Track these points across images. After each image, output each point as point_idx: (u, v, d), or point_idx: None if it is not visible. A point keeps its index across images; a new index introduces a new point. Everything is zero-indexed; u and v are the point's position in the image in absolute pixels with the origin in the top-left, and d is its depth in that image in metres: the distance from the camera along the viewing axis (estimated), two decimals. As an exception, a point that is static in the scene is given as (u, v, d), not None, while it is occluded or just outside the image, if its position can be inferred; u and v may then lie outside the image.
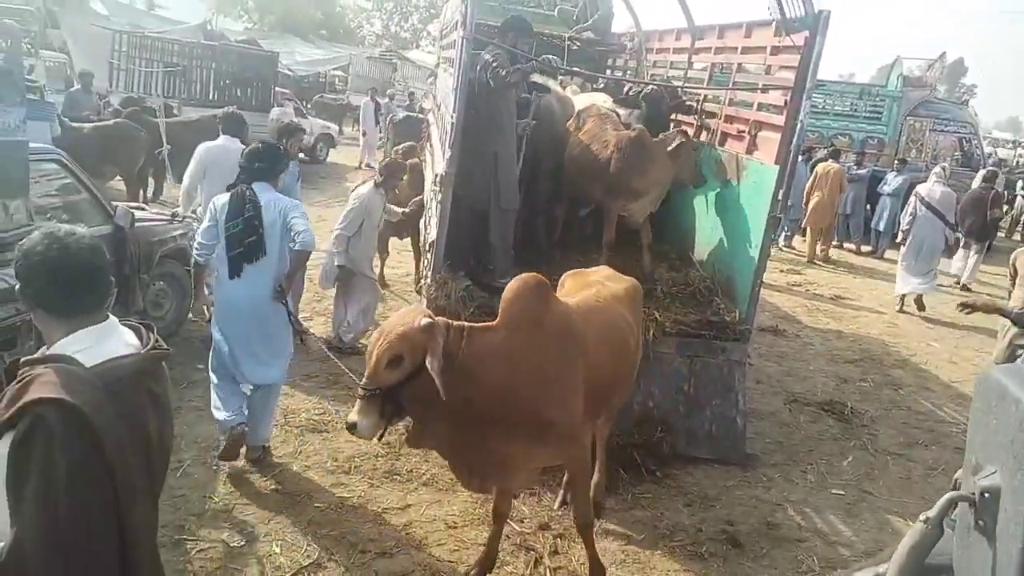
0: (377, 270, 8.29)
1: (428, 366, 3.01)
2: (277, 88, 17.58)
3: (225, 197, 4.46)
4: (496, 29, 6.20)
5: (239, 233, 4.35)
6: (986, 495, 1.41)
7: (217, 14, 31.25)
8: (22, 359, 1.82)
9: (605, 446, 4.48)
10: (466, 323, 3.39)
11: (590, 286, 4.14)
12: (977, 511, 1.44)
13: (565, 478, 4.48)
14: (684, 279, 6.17)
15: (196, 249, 4.53)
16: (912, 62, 20.05)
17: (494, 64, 5.35)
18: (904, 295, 10.31)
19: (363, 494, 4.46)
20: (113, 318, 1.95)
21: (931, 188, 10.35)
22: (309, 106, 21.83)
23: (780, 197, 5.39)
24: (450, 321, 3.29)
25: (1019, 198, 18.53)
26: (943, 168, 11.36)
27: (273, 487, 4.45)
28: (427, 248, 6.44)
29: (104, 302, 1.93)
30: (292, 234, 4.38)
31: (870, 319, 9.68)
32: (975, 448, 1.54)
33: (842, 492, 5.18)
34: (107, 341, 1.90)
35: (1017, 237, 19.20)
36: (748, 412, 5.66)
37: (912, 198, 10.61)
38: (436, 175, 5.83)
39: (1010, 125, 69.97)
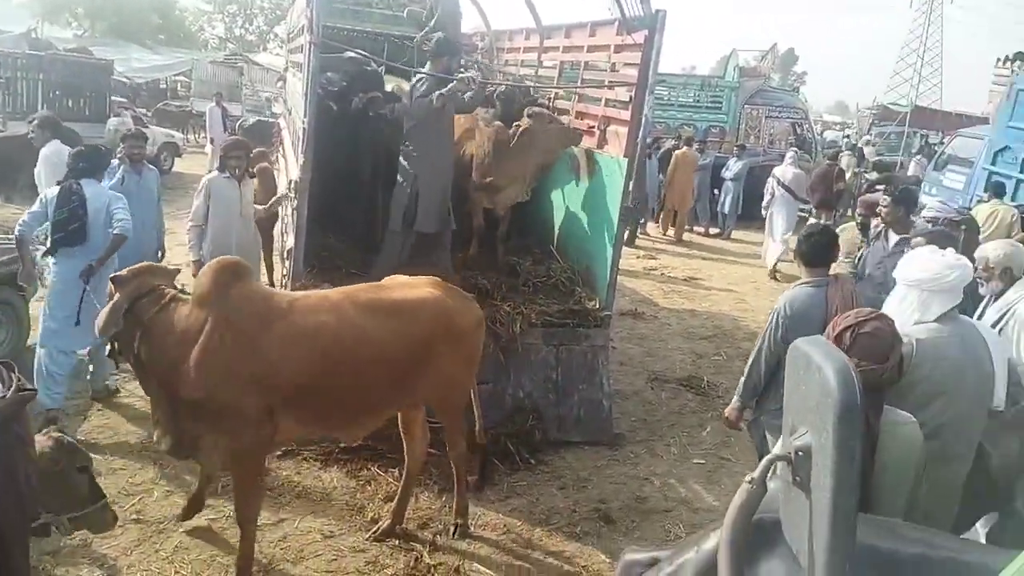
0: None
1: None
2: (113, 98, 16.58)
3: (55, 190, 5.17)
4: (350, 38, 6.15)
5: (64, 220, 5.08)
6: (800, 453, 1.59)
7: (43, 22, 29.02)
8: None
9: (461, 453, 4.27)
10: (181, 294, 3.57)
11: (357, 291, 3.89)
12: (794, 468, 1.61)
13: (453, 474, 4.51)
14: (546, 271, 6.37)
15: (19, 224, 5.16)
16: (747, 53, 21.44)
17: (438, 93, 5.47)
18: (775, 264, 11.71)
19: (232, 514, 4.32)
20: None
21: (784, 170, 12.01)
22: (150, 114, 20.70)
23: (631, 188, 5.66)
24: (171, 290, 3.56)
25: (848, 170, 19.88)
26: (795, 152, 13.00)
27: (133, 517, 4.23)
28: (285, 256, 6.31)
29: None
30: (113, 221, 5.14)
31: (721, 297, 10.29)
32: (791, 411, 1.72)
33: (703, 461, 5.51)
34: None
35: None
36: (613, 393, 5.91)
37: (770, 179, 12.13)
38: (291, 181, 5.72)
39: (838, 108, 75.66)
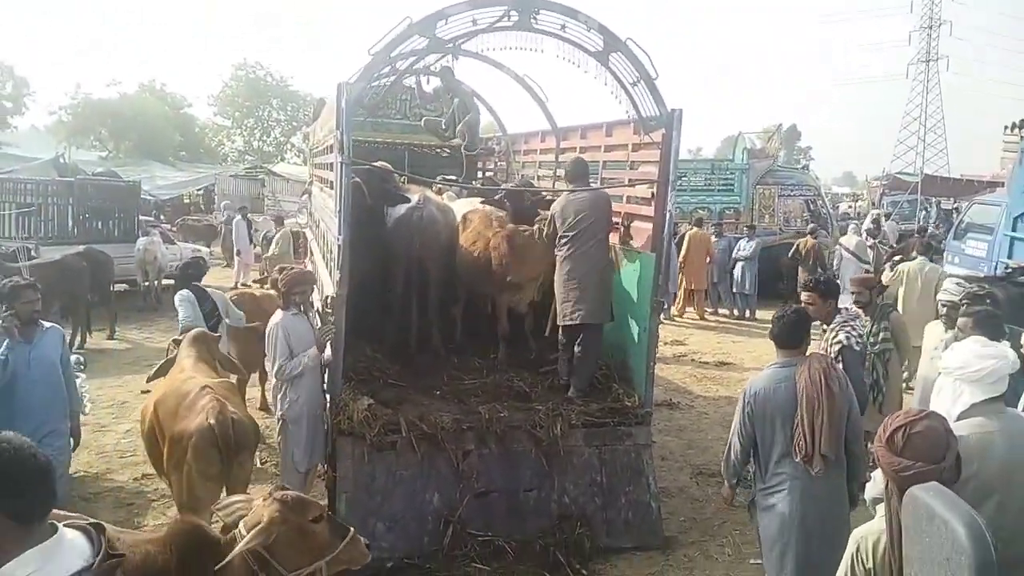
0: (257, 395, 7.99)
1: None
2: (141, 217, 17.06)
3: None
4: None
5: None
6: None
7: (69, 146, 30.22)
8: None
9: None
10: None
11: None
12: None
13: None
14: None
15: None
16: (752, 134, 21.82)
17: None
18: None
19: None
20: (60, 527, 1.82)
21: (849, 238, 14.58)
22: (176, 229, 21.24)
23: (660, 282, 5.70)
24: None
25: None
26: (856, 225, 16.33)
27: None
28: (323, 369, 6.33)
29: (49, 511, 1.82)
30: None
31: (755, 381, 10.14)
32: (912, 562, 1.66)
33: (759, 561, 5.31)
34: (56, 557, 1.76)
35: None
36: (658, 492, 5.77)
37: (837, 248, 14.90)
38: (327, 297, 5.80)
39: (846, 180, 76.39)
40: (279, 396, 5.32)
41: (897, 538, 2.36)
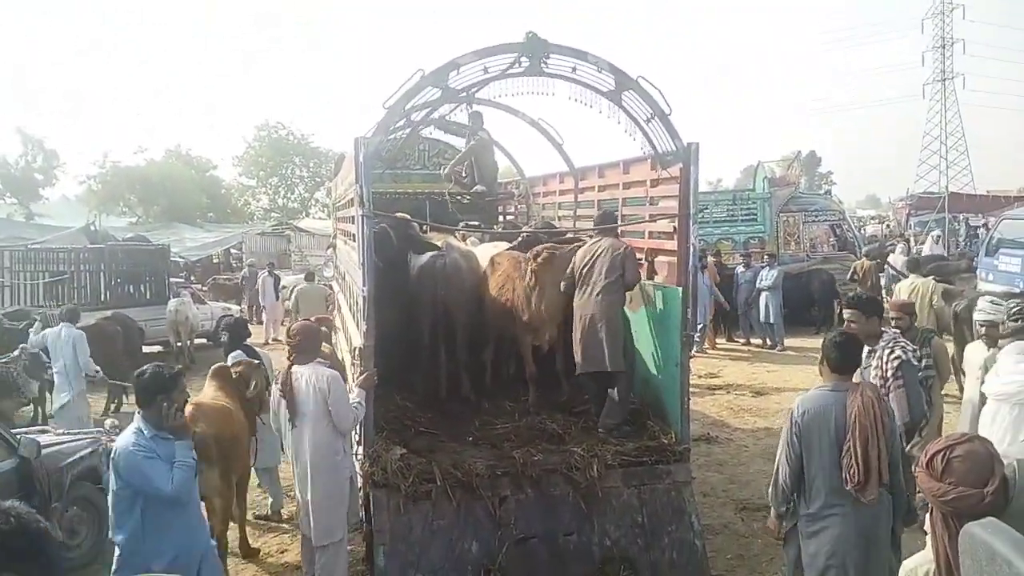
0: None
1: None
2: (171, 279, 17.35)
3: None
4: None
5: None
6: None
7: (100, 214, 30.96)
8: None
9: None
10: None
11: None
12: None
13: None
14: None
15: None
16: (771, 163, 21.81)
17: None
18: None
19: None
20: None
21: (896, 257, 16.52)
22: (206, 289, 21.55)
23: (689, 316, 5.65)
24: None
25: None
26: (904, 243, 19.21)
27: None
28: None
29: None
30: None
31: (792, 410, 9.95)
32: None
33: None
34: None
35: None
36: (703, 530, 5.64)
37: (887, 267, 15.97)
38: (355, 348, 5.81)
39: (869, 202, 75.75)
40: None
41: (945, 568, 2.27)
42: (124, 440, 3.91)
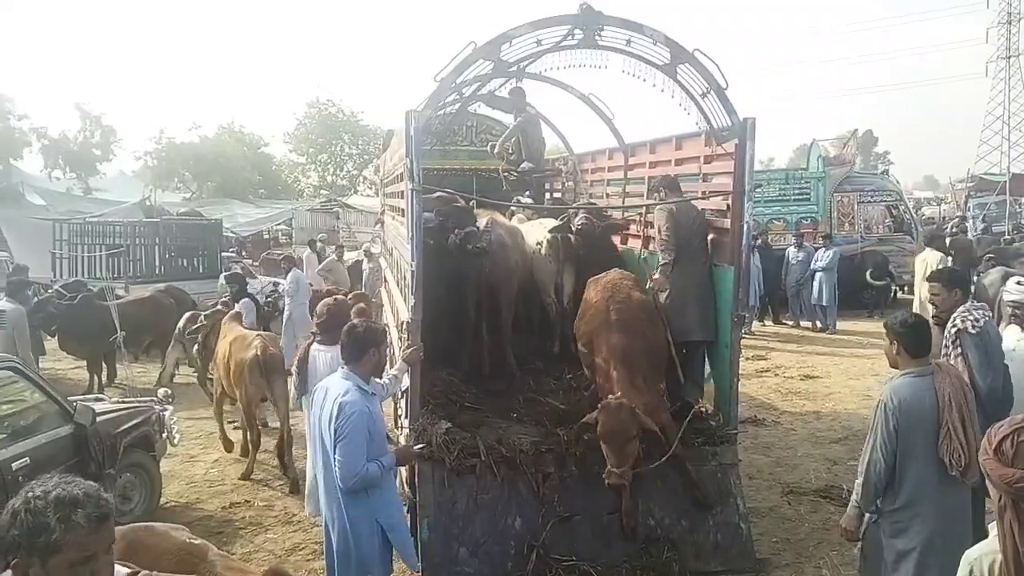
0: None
1: None
2: (223, 253, 17.67)
3: None
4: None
5: None
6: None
7: (155, 189, 31.64)
8: None
9: None
10: None
11: None
12: None
13: None
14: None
15: None
16: (826, 141, 21.21)
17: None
18: None
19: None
20: None
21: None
22: (258, 264, 21.90)
23: (740, 296, 5.53)
24: None
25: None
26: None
27: None
28: (400, 394, 6.35)
29: None
30: None
31: (844, 395, 9.76)
32: None
33: (860, 583, 5.04)
34: None
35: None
36: (748, 513, 5.56)
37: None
38: (402, 322, 5.83)
39: (927, 183, 73.39)
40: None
41: (1013, 557, 2.17)
42: (352, 399, 3.91)
